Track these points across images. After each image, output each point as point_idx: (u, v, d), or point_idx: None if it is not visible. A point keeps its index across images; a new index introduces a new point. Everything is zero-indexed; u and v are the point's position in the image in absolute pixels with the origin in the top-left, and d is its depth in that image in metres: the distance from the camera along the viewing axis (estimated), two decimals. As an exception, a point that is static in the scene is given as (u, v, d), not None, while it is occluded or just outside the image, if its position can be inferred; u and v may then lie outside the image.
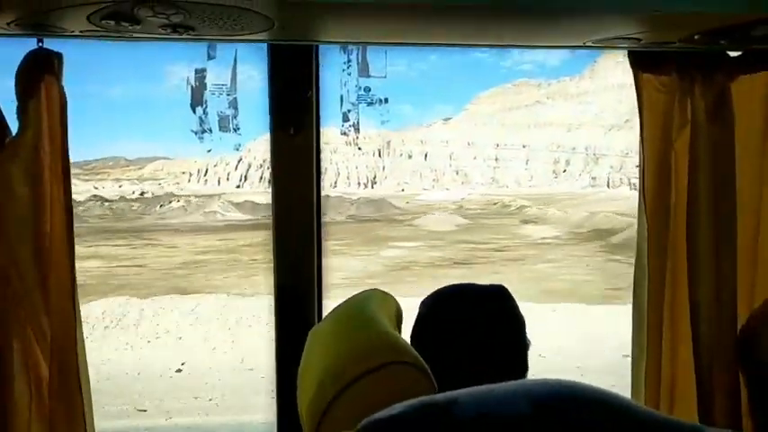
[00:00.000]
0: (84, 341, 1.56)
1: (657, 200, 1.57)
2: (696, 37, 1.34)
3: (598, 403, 0.59)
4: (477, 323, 1.24)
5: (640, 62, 1.55)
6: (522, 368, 1.26)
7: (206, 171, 16.24)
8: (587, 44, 1.42)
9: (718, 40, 1.36)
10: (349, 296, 1.31)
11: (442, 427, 0.58)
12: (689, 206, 1.55)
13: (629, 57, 1.56)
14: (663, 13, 1.21)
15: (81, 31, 1.32)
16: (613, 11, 1.23)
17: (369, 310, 1.19)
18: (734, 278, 1.57)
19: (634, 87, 1.56)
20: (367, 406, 0.97)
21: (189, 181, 16.10)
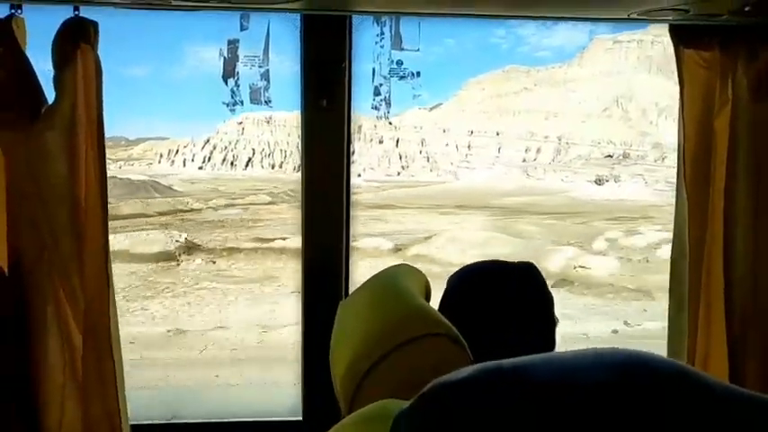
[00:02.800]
0: (116, 307, 1.59)
1: (696, 180, 1.53)
2: (747, 8, 1.28)
3: (674, 373, 0.57)
4: (505, 300, 1.23)
5: (682, 37, 1.50)
6: (550, 346, 1.25)
7: (176, 151, 16.37)
8: (632, 16, 1.38)
9: (768, 13, 1.31)
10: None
11: (519, 391, 0.56)
12: (727, 184, 1.50)
13: (670, 31, 1.51)
14: None
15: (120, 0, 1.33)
16: None
17: (400, 283, 1.19)
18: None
19: (675, 64, 1.50)
20: (403, 377, 0.97)
21: (159, 162, 16.24)
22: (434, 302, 1.30)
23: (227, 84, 1.65)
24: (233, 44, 1.64)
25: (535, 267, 1.30)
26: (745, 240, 1.51)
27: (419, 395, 0.60)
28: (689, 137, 1.52)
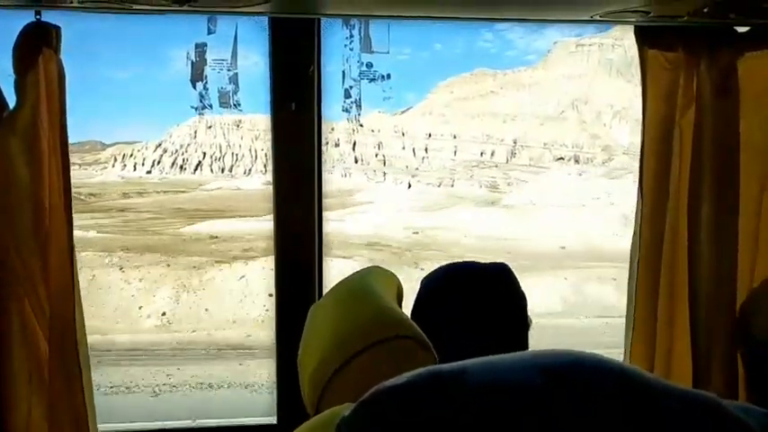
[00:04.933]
0: (83, 317, 1.56)
1: (656, 179, 1.56)
2: (705, 9, 1.32)
3: (609, 373, 0.58)
4: (479, 301, 1.23)
5: (646, 38, 1.53)
6: (523, 347, 1.25)
7: (131, 155, 16.18)
8: (595, 17, 1.40)
9: (728, 14, 1.34)
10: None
11: (453, 395, 0.57)
12: (691, 184, 1.53)
13: (635, 32, 1.54)
14: None
15: (80, 2, 1.30)
16: None
17: (370, 285, 1.19)
18: (735, 258, 1.57)
19: (639, 64, 1.53)
20: (369, 379, 0.96)
21: (113, 166, 16.07)
22: (407, 304, 1.31)
23: (195, 88, 1.64)
24: (200, 48, 1.62)
25: (508, 268, 1.30)
26: (708, 238, 1.55)
27: (360, 401, 0.61)
28: (651, 137, 1.55)
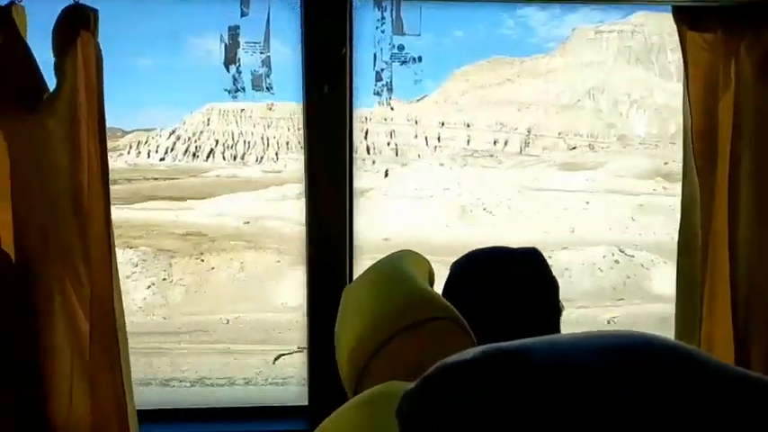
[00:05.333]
0: (120, 292, 1.58)
1: (701, 164, 1.54)
2: (748, -11, 1.30)
3: (669, 355, 0.58)
4: (510, 286, 1.23)
5: (686, 19, 1.51)
6: (555, 332, 1.25)
7: (146, 141, 16.22)
8: (634, -2, 1.39)
9: (771, -7, 1.32)
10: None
11: (518, 373, 0.57)
12: (731, 166, 1.52)
13: (674, 14, 1.52)
14: None
15: None
16: None
17: (404, 268, 1.19)
18: None
19: (679, 46, 1.52)
20: (406, 360, 0.97)
21: (128, 153, 16.14)
22: (437, 288, 1.31)
23: (228, 71, 1.64)
24: (233, 30, 1.62)
25: (540, 253, 1.29)
26: (750, 225, 1.53)
27: (423, 376, 0.61)
28: (695, 120, 1.53)
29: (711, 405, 0.54)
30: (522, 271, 1.25)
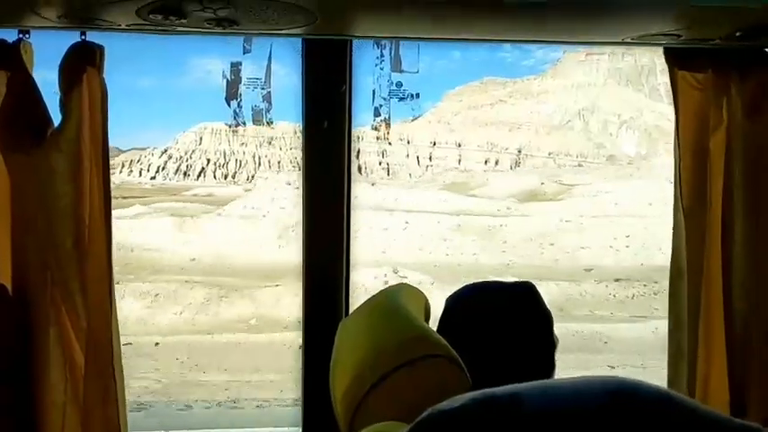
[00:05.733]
0: (118, 328, 1.59)
1: (693, 197, 1.57)
2: (738, 34, 1.34)
3: (657, 400, 0.59)
4: (505, 321, 1.23)
5: (676, 59, 1.55)
6: (549, 366, 1.25)
7: (138, 160, 16.23)
8: (626, 40, 1.43)
9: (760, 37, 1.36)
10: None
11: (508, 421, 0.57)
12: (724, 204, 1.55)
13: (665, 54, 1.56)
14: (706, 7, 1.20)
15: (127, 25, 1.34)
16: (655, 6, 1.23)
17: (400, 303, 1.20)
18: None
19: (670, 86, 1.56)
20: (401, 399, 0.98)
21: (120, 172, 16.17)
22: (434, 322, 1.32)
23: (229, 105, 1.67)
24: (236, 66, 1.66)
25: (534, 287, 1.30)
26: (743, 260, 1.55)
27: (415, 423, 0.61)
28: (685, 157, 1.56)
29: None
30: (517, 305, 1.26)
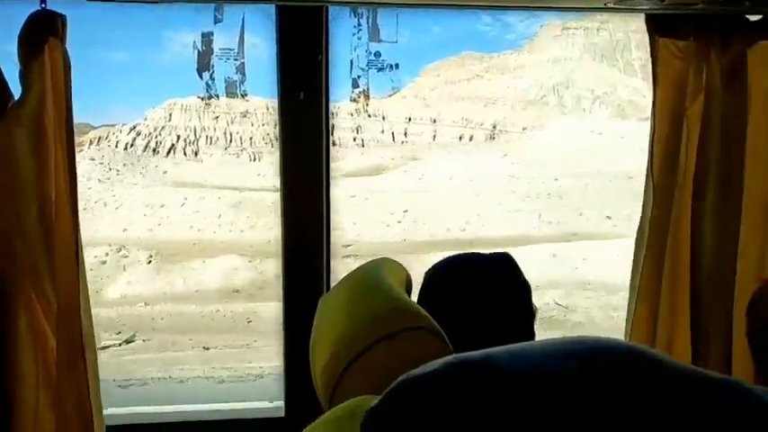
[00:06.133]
0: (90, 309, 1.55)
1: (665, 167, 1.57)
2: (720, -2, 1.32)
3: (630, 357, 0.59)
4: (483, 291, 1.23)
5: (658, 26, 1.53)
6: (529, 336, 1.26)
7: (107, 137, 16.00)
8: (609, 5, 1.40)
9: (743, 2, 1.34)
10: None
11: (480, 384, 0.56)
12: (696, 175, 1.55)
13: (646, 21, 1.53)
14: None
15: None
16: None
17: (380, 277, 1.18)
18: (736, 248, 1.58)
19: (649, 53, 1.54)
20: (383, 371, 0.96)
21: (88, 148, 15.99)
22: (415, 296, 1.30)
23: (201, 77, 1.62)
24: (207, 37, 1.60)
25: (511, 258, 1.30)
26: (713, 229, 1.56)
27: (387, 391, 0.60)
28: (660, 128, 1.55)
29: (672, 402, 0.55)
30: (495, 276, 1.26)
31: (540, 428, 0.53)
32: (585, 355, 0.58)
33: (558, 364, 0.57)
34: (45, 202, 1.45)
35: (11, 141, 1.41)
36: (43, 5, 1.41)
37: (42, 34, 1.40)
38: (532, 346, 0.62)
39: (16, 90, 1.43)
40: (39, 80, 1.40)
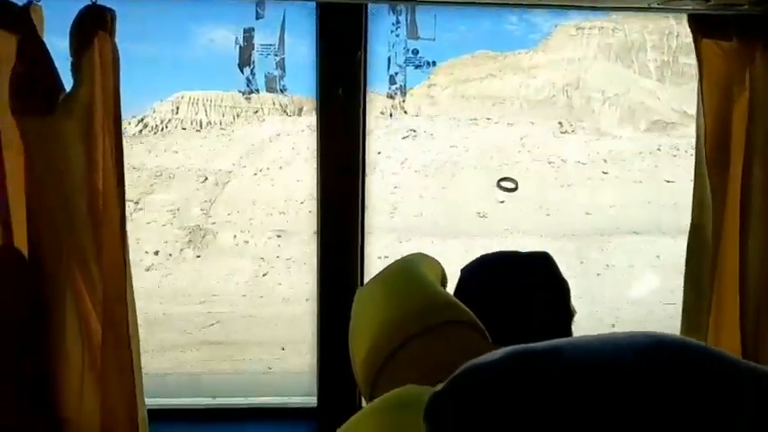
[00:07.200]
0: (134, 294, 1.57)
1: (713, 169, 1.56)
2: (768, -4, 1.32)
3: (701, 353, 0.59)
4: (522, 291, 1.22)
5: (701, 27, 1.52)
6: (567, 336, 1.25)
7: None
8: (652, 5, 1.40)
9: (791, 2, 1.34)
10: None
11: (547, 373, 0.57)
12: (744, 173, 1.54)
13: (689, 21, 1.53)
14: None
15: None
16: None
17: (417, 270, 1.18)
18: None
19: (695, 54, 1.54)
20: (424, 363, 0.97)
21: None
22: (449, 292, 1.31)
23: (242, 72, 1.63)
24: (248, 32, 1.62)
25: (550, 257, 1.28)
26: (761, 228, 1.55)
27: (452, 378, 0.60)
28: (709, 126, 1.55)
29: (745, 398, 0.56)
30: (534, 276, 1.24)
31: (605, 417, 0.54)
32: (646, 347, 0.59)
33: (630, 354, 0.58)
34: (93, 192, 1.48)
35: (62, 131, 1.44)
36: (94, 1, 1.43)
37: (93, 28, 1.42)
38: (601, 338, 0.62)
39: (68, 82, 1.46)
40: (89, 73, 1.43)
